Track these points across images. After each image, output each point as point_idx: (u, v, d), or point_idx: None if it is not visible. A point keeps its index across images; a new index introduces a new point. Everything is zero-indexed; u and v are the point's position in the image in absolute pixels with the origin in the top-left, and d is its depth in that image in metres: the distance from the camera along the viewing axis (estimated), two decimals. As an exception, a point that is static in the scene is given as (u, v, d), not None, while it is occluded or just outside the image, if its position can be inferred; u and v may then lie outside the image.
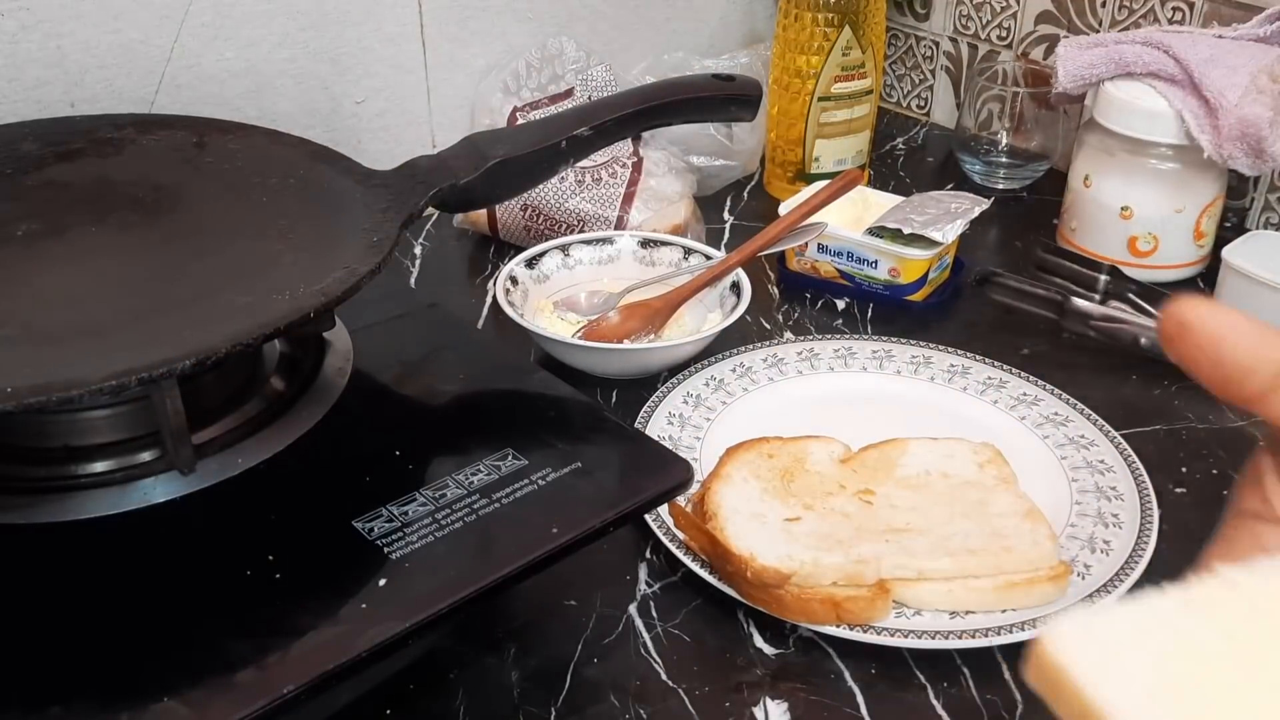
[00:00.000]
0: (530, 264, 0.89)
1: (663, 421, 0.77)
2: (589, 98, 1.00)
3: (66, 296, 0.59)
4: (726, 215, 1.09)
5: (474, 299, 0.95)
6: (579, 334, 0.85)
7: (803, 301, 0.95)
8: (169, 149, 0.72)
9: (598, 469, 0.59)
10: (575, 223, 0.96)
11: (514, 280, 0.87)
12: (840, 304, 0.95)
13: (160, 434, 0.56)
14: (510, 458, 0.60)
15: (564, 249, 0.91)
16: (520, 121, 0.97)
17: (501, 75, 1.02)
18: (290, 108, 0.94)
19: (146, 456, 0.58)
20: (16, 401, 0.47)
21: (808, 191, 0.95)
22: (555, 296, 0.90)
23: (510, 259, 0.89)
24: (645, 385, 0.81)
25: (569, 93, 1.01)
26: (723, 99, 0.72)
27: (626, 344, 0.83)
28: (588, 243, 0.92)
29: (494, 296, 0.89)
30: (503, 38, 1.05)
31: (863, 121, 1.09)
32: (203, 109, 0.89)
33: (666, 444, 0.71)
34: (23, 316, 0.56)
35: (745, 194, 1.12)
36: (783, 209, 0.93)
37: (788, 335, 0.90)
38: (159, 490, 0.56)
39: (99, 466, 0.58)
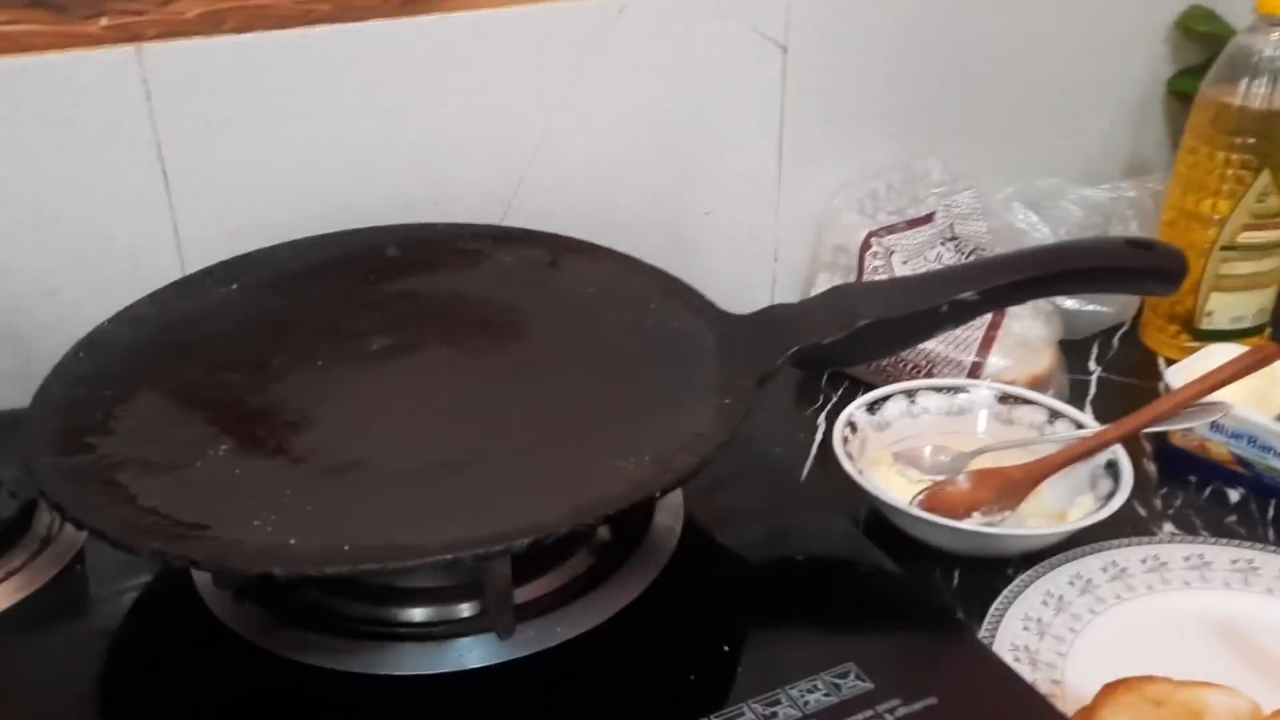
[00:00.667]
0: (871, 408, 0.81)
1: (1017, 625, 0.66)
2: (951, 226, 0.91)
3: (409, 428, 0.57)
4: (1092, 365, 0.96)
5: (802, 432, 0.88)
6: (920, 497, 0.76)
7: (1186, 486, 0.81)
8: (523, 266, 0.71)
9: (958, 712, 0.50)
10: (924, 364, 0.88)
11: (853, 427, 0.80)
12: (1234, 495, 0.80)
13: (484, 594, 0.52)
14: (853, 676, 0.52)
15: (910, 394, 0.83)
16: (874, 248, 0.90)
17: (857, 194, 0.96)
18: (638, 214, 0.91)
19: (465, 610, 0.55)
20: (352, 566, 0.45)
21: (1204, 357, 0.81)
22: (895, 447, 0.81)
23: (847, 396, 0.81)
24: (994, 569, 0.71)
25: (929, 218, 0.93)
26: (1137, 271, 0.62)
27: (978, 523, 0.73)
28: (937, 390, 0.83)
29: (823, 434, 0.82)
30: (861, 152, 0.98)
31: (1270, 276, 0.93)
32: (555, 210, 0.87)
33: (1022, 656, 0.61)
34: (371, 451, 0.55)
35: (1115, 341, 0.99)
36: (1172, 376, 0.80)
37: (1168, 529, 0.77)
38: (474, 654, 0.53)
39: (417, 614, 0.55)
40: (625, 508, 0.48)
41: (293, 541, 0.47)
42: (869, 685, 0.51)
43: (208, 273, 0.68)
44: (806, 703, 0.51)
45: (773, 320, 0.62)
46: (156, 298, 0.65)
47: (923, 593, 0.58)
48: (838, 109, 0.95)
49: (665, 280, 0.68)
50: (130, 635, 0.56)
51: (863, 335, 0.59)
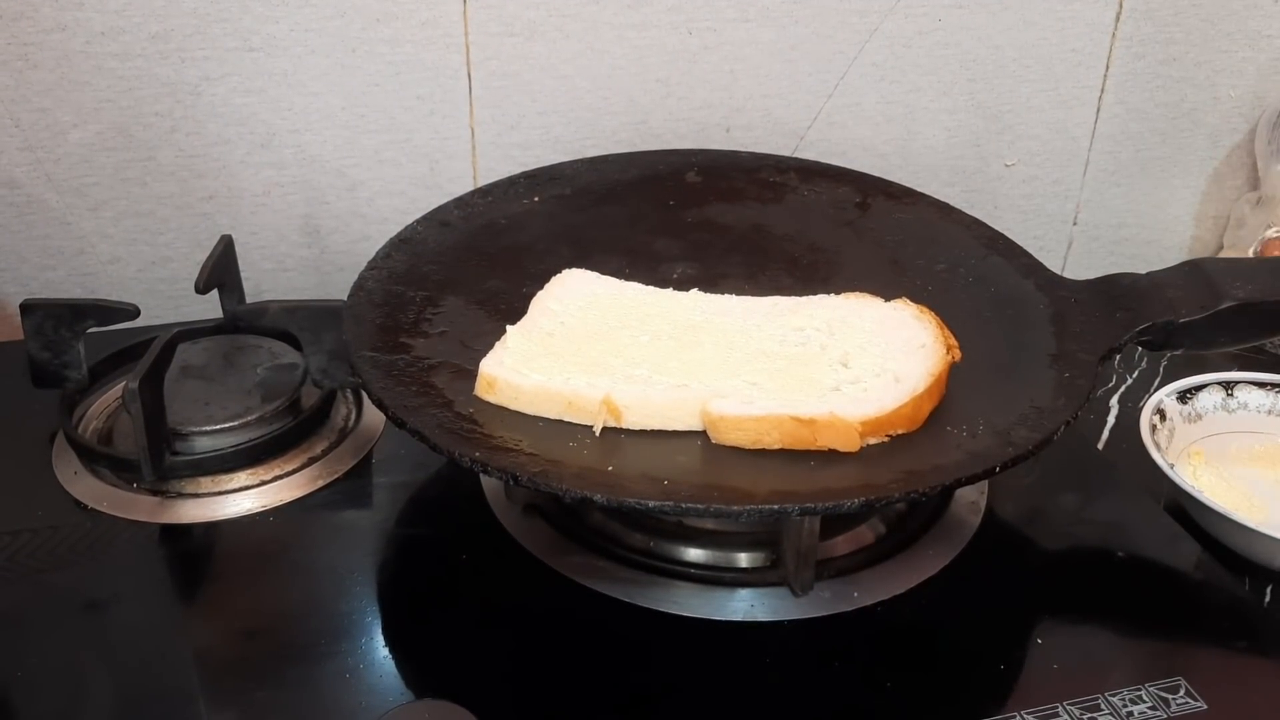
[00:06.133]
0: (1183, 398, 0.74)
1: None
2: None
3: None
4: None
5: (1091, 414, 0.82)
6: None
7: None
8: (830, 205, 0.67)
9: (1313, 755, 0.45)
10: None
11: (1162, 415, 0.72)
12: None
13: (782, 550, 0.50)
14: (1183, 693, 0.47)
15: (1227, 387, 0.75)
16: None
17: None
18: (935, 161, 0.85)
19: (745, 559, 0.53)
20: (675, 503, 0.43)
21: None
22: (1206, 444, 0.74)
23: (1143, 380, 0.74)
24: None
25: None
26: None
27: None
28: (1260, 385, 0.75)
29: (1115, 419, 0.76)
30: (1190, 118, 0.89)
31: None
32: (847, 150, 0.83)
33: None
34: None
35: None
36: None
37: None
38: (762, 607, 0.51)
39: (698, 555, 0.53)
40: (963, 480, 0.44)
41: (610, 468, 0.45)
42: (1201, 705, 0.46)
43: (511, 182, 0.67)
44: (1130, 714, 0.46)
45: (1118, 290, 0.56)
46: (462, 203, 0.65)
47: (1268, 611, 0.52)
48: (1174, 63, 0.86)
49: (986, 233, 0.63)
50: (418, 534, 0.56)
51: (1227, 317, 0.53)
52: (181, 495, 0.57)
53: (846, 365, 0.51)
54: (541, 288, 0.56)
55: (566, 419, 0.48)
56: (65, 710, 0.45)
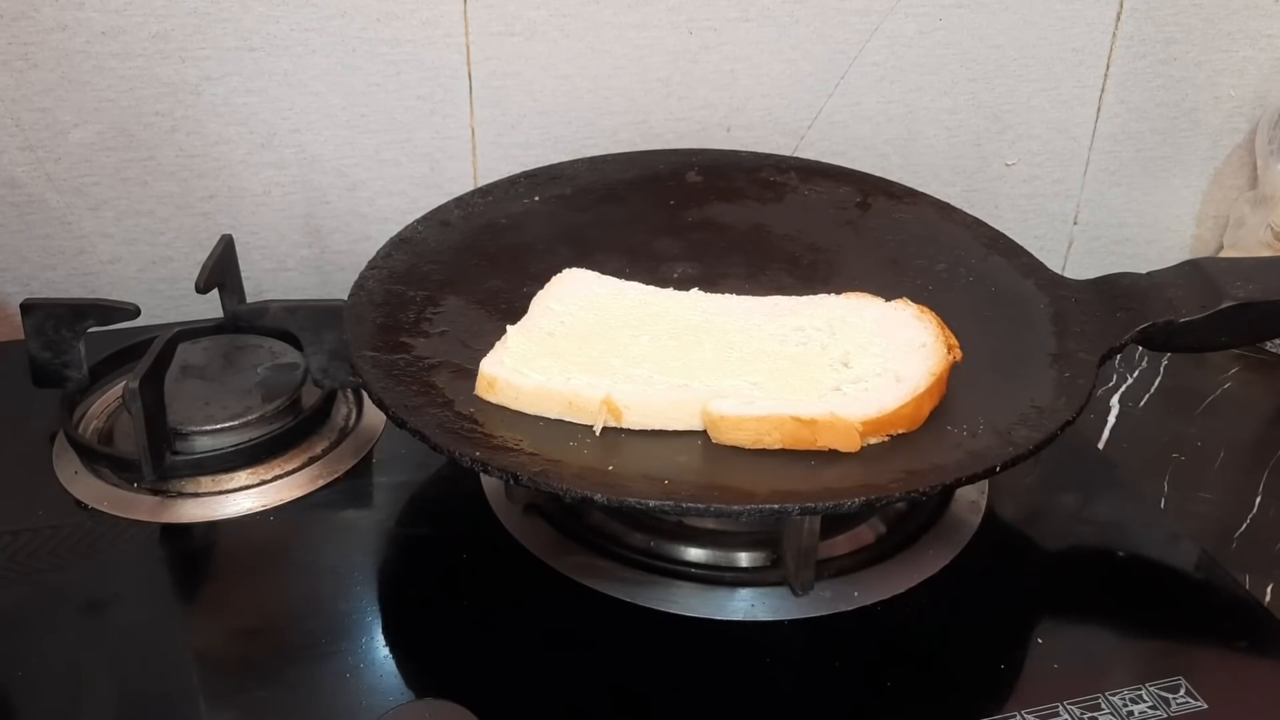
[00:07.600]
0: (1183, 397, 0.74)
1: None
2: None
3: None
4: None
5: (1092, 414, 0.82)
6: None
7: None
8: (830, 204, 0.67)
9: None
10: (1243, 354, 0.79)
11: (1162, 415, 0.72)
12: None
13: (783, 550, 0.50)
14: (1183, 692, 0.47)
15: (1228, 386, 0.75)
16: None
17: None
18: (935, 161, 0.85)
19: (745, 558, 0.53)
20: (675, 502, 0.43)
21: None
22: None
23: (1144, 379, 0.74)
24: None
25: None
26: None
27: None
28: (1260, 385, 0.75)
29: (1116, 418, 0.76)
30: (1190, 115, 0.89)
31: None
32: (848, 149, 0.83)
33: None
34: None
35: None
36: None
37: None
38: (762, 607, 0.51)
39: (699, 555, 0.53)
40: (963, 480, 0.44)
41: (611, 468, 0.45)
42: (1201, 705, 0.46)
43: (511, 182, 0.67)
44: (1130, 713, 0.46)
45: (1119, 290, 0.56)
46: (462, 203, 0.65)
47: (1268, 611, 0.52)
48: (1175, 63, 0.86)
49: (986, 232, 0.63)
50: (418, 534, 0.56)
51: (1227, 317, 0.53)
52: (182, 495, 0.57)
53: (847, 365, 0.51)
54: (542, 287, 0.56)
55: (567, 419, 0.48)
56: (65, 710, 0.45)
